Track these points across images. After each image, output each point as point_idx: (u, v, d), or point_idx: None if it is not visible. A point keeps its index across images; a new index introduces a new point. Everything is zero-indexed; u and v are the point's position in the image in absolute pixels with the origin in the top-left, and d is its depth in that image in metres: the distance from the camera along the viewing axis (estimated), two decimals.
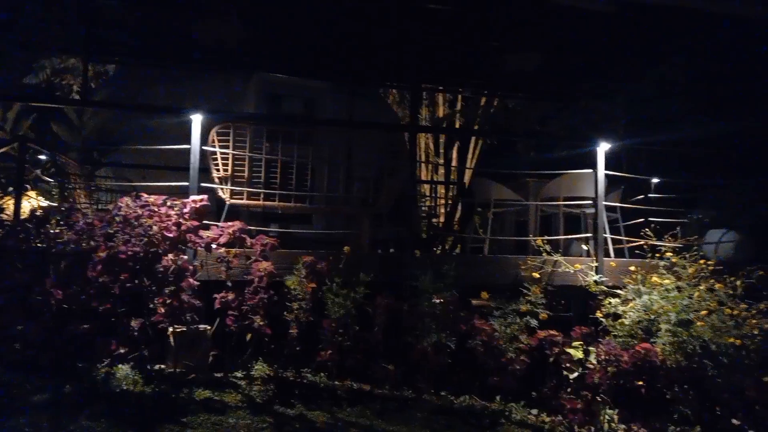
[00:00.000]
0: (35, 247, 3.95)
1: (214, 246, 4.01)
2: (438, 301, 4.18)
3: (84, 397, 3.36)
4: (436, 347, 4.11)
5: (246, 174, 4.98)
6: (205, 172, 4.79)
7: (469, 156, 10.87)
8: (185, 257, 3.95)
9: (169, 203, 3.99)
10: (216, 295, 3.96)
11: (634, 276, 4.54)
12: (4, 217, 4.44)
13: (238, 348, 4.03)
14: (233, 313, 3.92)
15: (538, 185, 6.23)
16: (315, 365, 4.07)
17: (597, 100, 8.23)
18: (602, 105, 8.28)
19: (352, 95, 7.56)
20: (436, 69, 7.63)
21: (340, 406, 3.78)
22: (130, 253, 3.73)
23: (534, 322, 4.27)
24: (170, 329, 3.82)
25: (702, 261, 4.53)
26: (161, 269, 3.79)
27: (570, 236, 5.81)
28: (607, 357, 4.01)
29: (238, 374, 3.95)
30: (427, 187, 10.70)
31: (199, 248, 4.03)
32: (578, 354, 4.06)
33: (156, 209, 3.94)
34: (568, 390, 4.04)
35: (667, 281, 4.38)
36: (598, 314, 4.41)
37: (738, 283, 4.33)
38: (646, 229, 4.89)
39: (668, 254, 4.65)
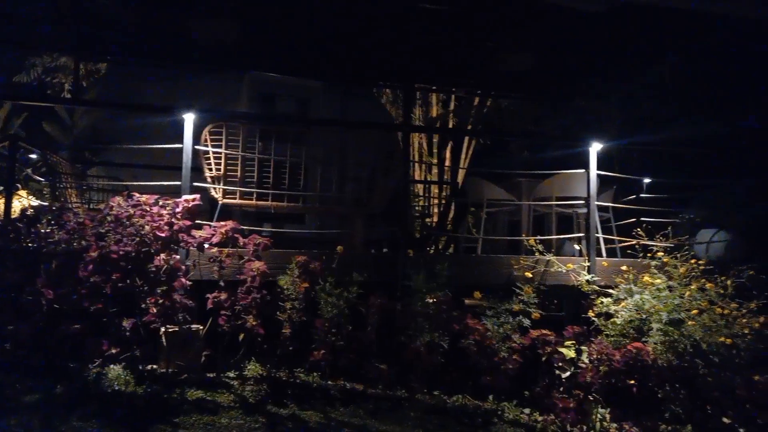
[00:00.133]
0: (26, 247, 3.91)
1: (206, 246, 4.00)
2: (431, 300, 4.18)
3: (75, 398, 3.34)
4: (429, 347, 4.12)
5: (239, 173, 4.96)
6: (197, 171, 4.78)
7: (463, 156, 10.90)
8: (177, 257, 3.94)
9: (161, 203, 3.98)
10: (208, 295, 3.94)
11: (625, 275, 4.56)
12: None
13: (230, 348, 4.01)
14: (226, 312, 3.91)
15: (531, 185, 6.25)
16: (308, 365, 4.06)
17: (589, 100, 8.27)
18: (595, 105, 8.32)
19: (345, 95, 7.55)
20: (430, 69, 7.63)
21: (333, 406, 3.77)
22: (121, 252, 3.72)
23: (526, 322, 4.28)
24: (162, 329, 3.80)
25: (693, 261, 4.55)
26: (153, 269, 3.78)
27: (562, 236, 5.84)
28: (599, 356, 4.03)
29: (231, 374, 3.94)
30: (420, 186, 10.72)
31: (191, 248, 4.01)
32: (570, 353, 4.07)
33: (148, 209, 3.92)
34: (561, 389, 4.05)
35: (658, 281, 4.40)
36: (591, 314, 4.43)
37: (728, 282, 4.36)
38: (638, 229, 4.92)
39: (660, 254, 4.68)
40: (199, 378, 3.79)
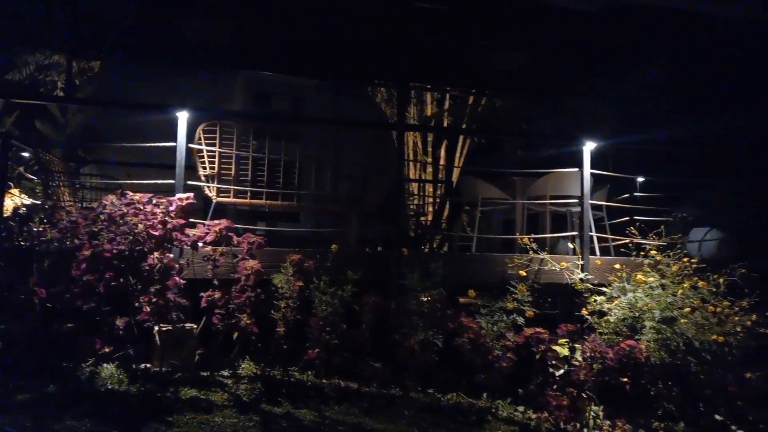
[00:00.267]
0: (18, 246, 3.89)
1: (200, 244, 3.99)
2: (425, 299, 4.19)
3: (69, 397, 3.33)
4: (424, 345, 4.12)
5: (233, 172, 4.95)
6: (191, 170, 4.76)
7: (457, 154, 10.91)
8: (171, 255, 3.93)
9: (154, 201, 3.96)
10: (202, 294, 3.93)
11: (619, 274, 4.58)
12: None
13: (224, 347, 4.01)
14: (220, 311, 3.90)
15: (525, 184, 6.27)
16: (302, 363, 4.06)
17: (584, 99, 8.29)
18: (589, 104, 8.34)
19: (340, 94, 7.55)
20: (424, 67, 7.64)
21: (328, 405, 3.77)
22: (115, 251, 3.70)
23: (520, 320, 4.29)
24: (156, 328, 3.79)
25: (686, 259, 4.58)
26: (147, 268, 3.77)
27: (556, 234, 5.85)
28: (592, 354, 4.04)
29: (225, 373, 3.93)
30: (415, 185, 10.73)
31: (185, 246, 4.00)
32: (564, 351, 4.09)
33: (141, 207, 3.91)
34: (554, 387, 4.06)
35: (651, 279, 4.42)
36: (584, 312, 4.44)
37: (721, 280, 4.38)
38: (632, 228, 4.93)
39: (653, 252, 4.70)
40: (193, 377, 3.78)
